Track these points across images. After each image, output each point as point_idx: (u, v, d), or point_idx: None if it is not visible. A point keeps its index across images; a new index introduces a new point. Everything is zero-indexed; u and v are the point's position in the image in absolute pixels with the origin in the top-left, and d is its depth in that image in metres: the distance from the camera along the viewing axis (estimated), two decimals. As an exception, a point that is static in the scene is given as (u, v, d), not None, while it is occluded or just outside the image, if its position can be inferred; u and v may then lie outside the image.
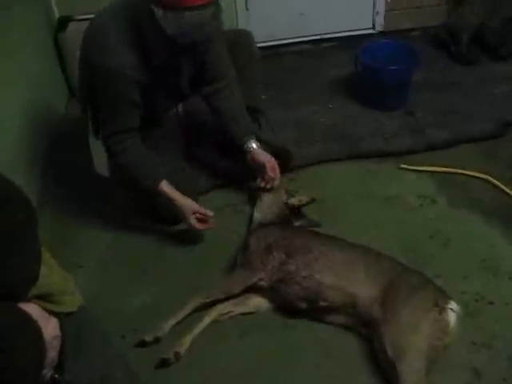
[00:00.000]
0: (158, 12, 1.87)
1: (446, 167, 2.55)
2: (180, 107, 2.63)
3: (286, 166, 2.55)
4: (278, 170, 2.31)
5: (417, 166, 2.57)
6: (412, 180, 2.53)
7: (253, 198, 2.37)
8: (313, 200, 2.22)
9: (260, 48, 3.52)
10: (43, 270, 1.15)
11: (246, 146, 2.33)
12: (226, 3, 3.36)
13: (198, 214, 2.18)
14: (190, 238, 2.30)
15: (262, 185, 2.29)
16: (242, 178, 2.53)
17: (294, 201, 2.22)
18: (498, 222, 2.28)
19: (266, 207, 2.26)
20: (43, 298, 1.18)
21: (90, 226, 2.42)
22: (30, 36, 2.80)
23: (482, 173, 2.49)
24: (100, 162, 2.32)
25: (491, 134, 2.74)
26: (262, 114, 2.60)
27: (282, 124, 2.84)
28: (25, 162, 2.49)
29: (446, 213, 2.35)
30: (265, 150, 2.43)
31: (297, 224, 2.22)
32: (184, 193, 2.21)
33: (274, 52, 3.64)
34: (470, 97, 3.03)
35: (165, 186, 2.16)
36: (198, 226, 2.18)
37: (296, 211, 2.23)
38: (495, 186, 2.44)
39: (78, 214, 2.47)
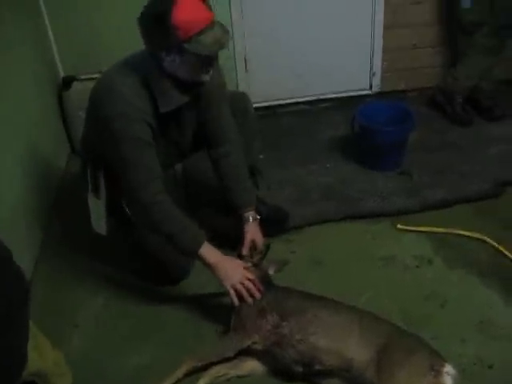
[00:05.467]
0: (170, 57, 1.91)
1: (443, 227, 2.55)
2: (178, 166, 2.66)
3: (282, 226, 2.57)
4: (259, 251, 2.26)
5: (413, 226, 2.58)
6: (409, 240, 2.53)
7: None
8: (267, 247, 2.22)
9: (258, 108, 3.62)
10: (34, 355, 1.15)
11: (243, 216, 2.32)
12: (227, 65, 3.46)
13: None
14: (186, 296, 2.29)
15: (244, 253, 2.24)
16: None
17: (270, 269, 2.19)
18: (496, 282, 2.27)
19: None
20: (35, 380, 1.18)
21: (87, 284, 2.42)
22: (35, 93, 2.88)
23: (478, 233, 2.50)
24: (98, 220, 2.32)
25: (487, 193, 2.76)
26: (259, 172, 2.63)
27: (278, 184, 2.88)
28: (25, 217, 2.51)
29: (443, 273, 2.34)
30: (261, 209, 2.46)
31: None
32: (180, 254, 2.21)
33: (273, 112, 3.72)
34: (466, 157, 3.07)
35: (207, 248, 2.06)
36: (235, 299, 2.03)
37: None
38: (492, 246, 2.43)
39: (76, 272, 2.48)
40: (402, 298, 2.22)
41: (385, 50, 3.66)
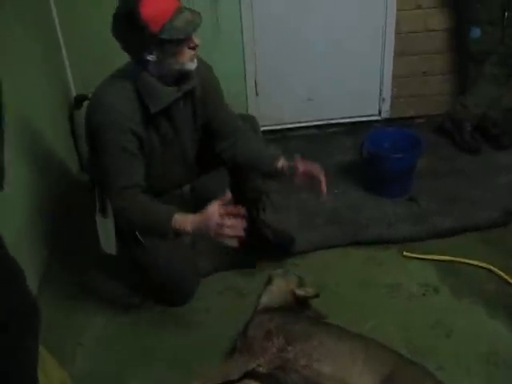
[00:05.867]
0: (152, 55, 1.97)
1: (450, 255, 2.54)
2: (186, 187, 2.67)
3: (288, 250, 2.56)
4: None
5: (420, 253, 2.57)
6: (415, 268, 2.51)
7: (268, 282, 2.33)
8: (317, 295, 2.19)
9: (268, 131, 3.65)
10: (41, 376, 1.15)
11: (280, 167, 2.32)
12: (237, 88, 3.49)
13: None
14: (190, 319, 2.28)
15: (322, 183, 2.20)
16: (253, 262, 2.56)
17: (300, 291, 2.20)
18: (502, 313, 2.24)
19: (275, 292, 2.24)
20: None
21: (92, 304, 2.43)
22: (46, 111, 2.91)
23: (485, 262, 2.48)
24: (107, 240, 2.32)
25: (495, 222, 2.74)
26: (267, 195, 2.62)
27: (285, 208, 2.88)
28: (30, 236, 2.52)
29: (449, 302, 2.32)
30: (267, 233, 2.47)
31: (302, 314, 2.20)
32: (184, 277, 2.21)
33: (282, 135, 3.73)
34: (474, 185, 3.06)
35: (178, 218, 2.00)
36: (226, 234, 1.92)
37: (301, 301, 2.21)
38: (499, 276, 2.42)
39: (81, 291, 2.49)
40: (407, 327, 2.20)
41: (395, 77, 3.68)
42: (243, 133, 2.38)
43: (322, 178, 2.20)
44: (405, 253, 2.57)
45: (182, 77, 2.10)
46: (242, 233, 1.90)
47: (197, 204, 2.94)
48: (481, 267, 2.48)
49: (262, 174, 2.38)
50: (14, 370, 1.05)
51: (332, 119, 3.79)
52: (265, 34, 3.48)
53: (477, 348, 2.10)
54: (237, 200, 2.54)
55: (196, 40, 2.01)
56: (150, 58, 1.97)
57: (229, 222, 1.90)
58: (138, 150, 2.09)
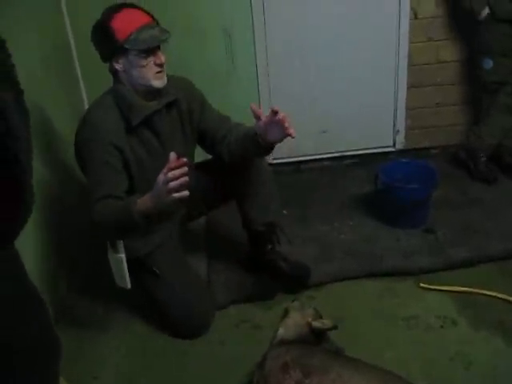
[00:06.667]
0: (119, 64, 2.12)
1: (467, 287, 2.52)
2: (202, 219, 2.68)
3: (304, 282, 2.56)
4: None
5: (437, 285, 2.55)
6: (432, 299, 2.49)
7: (285, 314, 2.31)
8: (335, 327, 2.17)
9: (281, 164, 3.68)
10: None
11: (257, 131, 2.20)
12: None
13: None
14: (205, 352, 2.28)
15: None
16: (269, 294, 2.56)
17: (316, 323, 2.19)
18: (521, 344, 2.22)
19: (292, 324, 2.23)
20: None
21: (108, 336, 2.44)
22: (59, 133, 2.93)
23: (503, 293, 2.46)
24: (120, 275, 2.33)
25: (511, 253, 2.72)
26: (281, 229, 2.63)
27: (301, 240, 2.88)
28: (47, 269, 2.53)
29: (467, 334, 2.29)
30: (283, 265, 2.48)
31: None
32: (200, 310, 2.22)
33: (296, 168, 3.77)
34: (490, 215, 3.04)
35: (139, 201, 1.97)
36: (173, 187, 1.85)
37: (318, 333, 2.20)
38: (517, 307, 2.40)
39: (97, 323, 2.51)
40: (424, 359, 2.18)
41: (408, 108, 3.71)
42: (233, 128, 2.38)
43: (283, 117, 2.06)
44: (421, 284, 2.56)
45: (155, 93, 2.20)
46: (185, 180, 1.85)
47: (211, 236, 3.00)
48: (498, 298, 2.45)
49: (256, 152, 2.28)
50: None
51: (346, 151, 3.81)
52: (279, 67, 3.54)
53: (496, 380, 2.07)
54: (251, 234, 2.57)
55: (162, 58, 2.13)
56: (117, 67, 2.14)
57: (170, 174, 1.84)
58: (121, 165, 2.15)
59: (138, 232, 2.15)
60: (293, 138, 2.09)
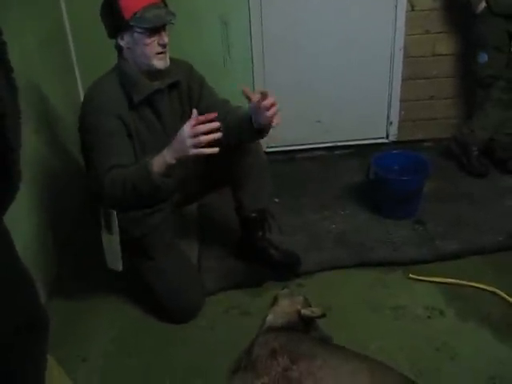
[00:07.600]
0: (124, 40, 2.14)
1: (456, 278, 2.54)
2: (194, 205, 2.68)
3: (294, 270, 2.57)
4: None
5: (426, 276, 2.57)
6: (420, 290, 2.51)
7: (274, 302, 2.33)
8: (323, 315, 2.18)
9: (275, 152, 3.68)
10: None
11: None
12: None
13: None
14: (195, 337, 2.30)
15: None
16: (259, 281, 2.57)
17: (306, 311, 2.21)
18: (508, 337, 2.23)
19: (281, 311, 2.25)
20: None
21: (97, 319, 2.45)
22: (59, 127, 2.94)
23: (491, 286, 2.48)
24: (113, 257, 2.34)
25: (501, 246, 2.74)
26: (272, 216, 2.63)
27: (292, 229, 2.90)
28: (38, 252, 2.54)
29: (454, 325, 2.31)
30: (273, 253, 2.49)
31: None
32: (190, 295, 2.23)
33: (289, 157, 3.77)
34: (481, 208, 3.07)
35: (154, 160, 1.99)
36: (203, 140, 1.88)
37: (307, 321, 2.21)
38: (505, 300, 2.41)
39: (87, 306, 2.51)
40: (411, 349, 2.20)
41: (402, 100, 3.72)
42: (232, 111, 2.35)
43: (269, 103, 2.04)
44: (411, 275, 2.58)
45: (157, 74, 2.21)
46: (218, 135, 1.88)
47: (203, 222, 3.00)
48: (487, 290, 2.47)
49: (249, 135, 2.26)
50: (22, 377, 1.06)
51: (340, 141, 3.82)
52: (274, 58, 3.55)
53: (481, 372, 2.09)
54: (242, 220, 2.58)
55: (165, 38, 2.15)
56: (121, 43, 2.16)
57: (202, 128, 1.87)
58: (126, 135, 2.17)
59: (157, 196, 2.09)
60: (273, 126, 2.11)
